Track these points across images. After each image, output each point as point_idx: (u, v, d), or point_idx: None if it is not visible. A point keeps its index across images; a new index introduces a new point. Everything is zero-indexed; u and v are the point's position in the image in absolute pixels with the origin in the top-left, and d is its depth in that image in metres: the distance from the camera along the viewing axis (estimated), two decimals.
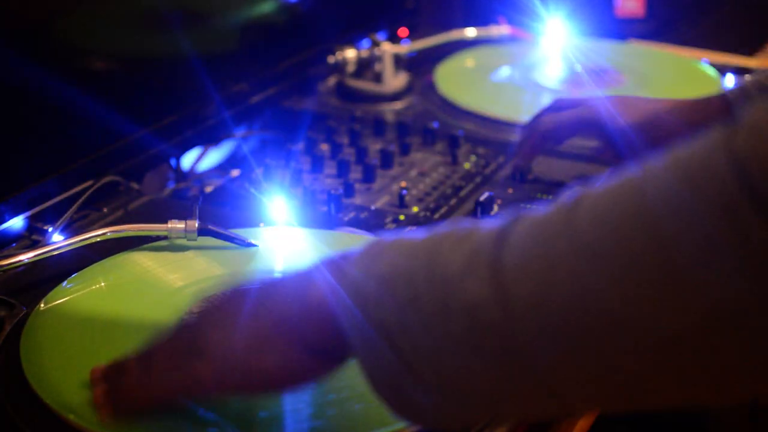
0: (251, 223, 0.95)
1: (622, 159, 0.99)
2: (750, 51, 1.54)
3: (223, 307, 0.63)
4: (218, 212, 0.98)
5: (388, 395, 0.55)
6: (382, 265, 0.56)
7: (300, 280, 0.60)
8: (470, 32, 1.47)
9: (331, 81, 1.35)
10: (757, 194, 0.43)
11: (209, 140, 1.19)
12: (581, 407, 0.57)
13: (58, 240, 0.89)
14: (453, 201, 1.02)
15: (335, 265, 0.59)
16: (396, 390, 0.55)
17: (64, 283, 0.82)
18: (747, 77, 1.31)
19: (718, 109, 0.94)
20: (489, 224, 0.54)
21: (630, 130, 0.96)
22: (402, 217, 0.99)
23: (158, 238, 0.89)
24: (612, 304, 0.47)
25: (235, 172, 1.11)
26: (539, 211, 0.52)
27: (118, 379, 0.65)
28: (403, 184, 1.06)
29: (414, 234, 0.57)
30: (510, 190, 1.04)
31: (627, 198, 0.48)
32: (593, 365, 0.48)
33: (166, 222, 0.88)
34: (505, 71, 1.38)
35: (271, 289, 0.62)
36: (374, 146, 1.15)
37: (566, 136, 1.04)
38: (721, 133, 0.46)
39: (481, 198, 0.98)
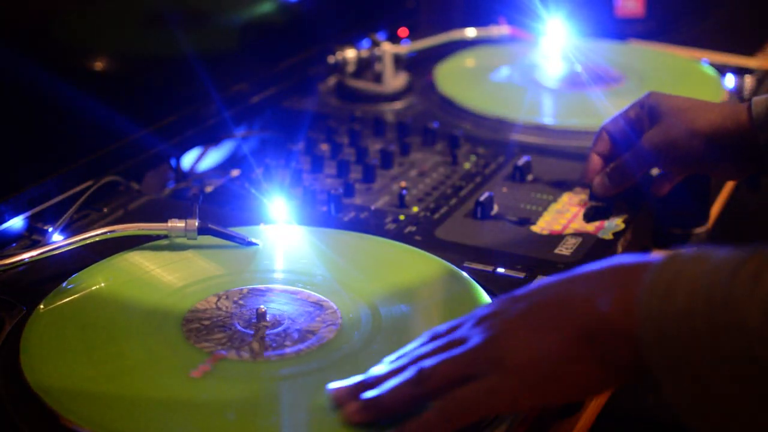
0: (251, 222, 0.95)
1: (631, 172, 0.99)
2: (750, 51, 1.54)
3: (522, 314, 0.63)
4: (218, 212, 0.98)
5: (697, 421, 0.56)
6: (679, 299, 0.56)
7: (597, 290, 0.60)
8: (470, 32, 1.47)
9: (331, 81, 1.35)
10: None
11: (209, 140, 1.20)
12: None
13: (58, 240, 0.89)
14: (453, 201, 1.02)
15: (631, 278, 0.59)
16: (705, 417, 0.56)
17: (64, 284, 0.82)
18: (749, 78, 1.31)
19: (744, 124, 0.93)
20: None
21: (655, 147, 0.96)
22: (402, 217, 0.99)
23: (158, 238, 0.89)
24: None
25: (235, 172, 1.11)
26: None
27: (375, 391, 0.65)
28: (403, 184, 1.06)
29: (710, 253, 0.57)
30: (504, 189, 1.04)
31: None
32: None
33: (166, 222, 0.88)
34: (505, 71, 1.38)
35: (566, 296, 0.62)
36: (374, 146, 1.15)
37: (632, 130, 1.00)
38: None
39: (481, 198, 0.98)
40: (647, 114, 0.98)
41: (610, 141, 1.01)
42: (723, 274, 0.55)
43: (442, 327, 0.67)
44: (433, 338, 0.67)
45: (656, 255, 0.60)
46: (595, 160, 1.01)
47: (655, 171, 1.02)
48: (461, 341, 0.64)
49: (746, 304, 0.53)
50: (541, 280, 0.66)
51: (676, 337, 0.55)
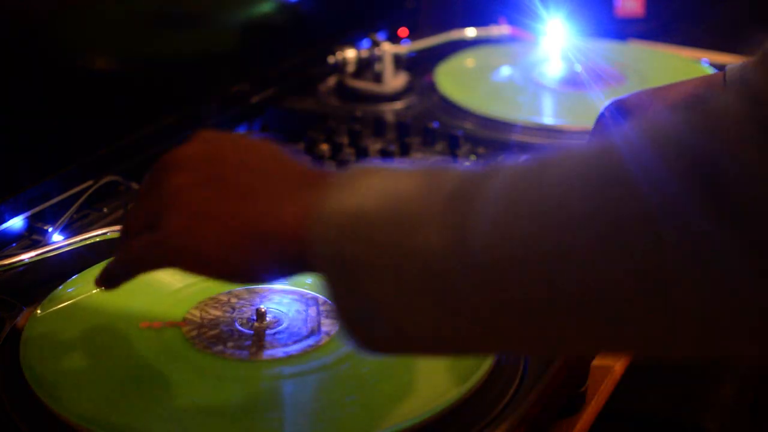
0: None
1: None
2: (750, 51, 1.54)
3: (210, 183, 0.61)
4: None
5: (346, 313, 0.56)
6: (352, 196, 0.56)
7: (281, 192, 0.60)
8: (470, 32, 1.47)
9: (331, 81, 1.35)
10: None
11: None
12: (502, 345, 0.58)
13: (58, 240, 0.89)
14: None
15: (315, 184, 0.59)
16: (353, 313, 0.55)
17: (64, 284, 0.82)
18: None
19: (720, 90, 0.93)
20: (462, 174, 0.55)
21: None
22: None
23: None
24: (556, 247, 0.48)
25: None
26: (515, 166, 0.53)
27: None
28: None
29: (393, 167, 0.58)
30: None
31: (601, 148, 0.50)
32: (519, 304, 0.50)
33: None
34: (505, 71, 1.38)
35: (254, 184, 0.61)
36: (374, 146, 1.15)
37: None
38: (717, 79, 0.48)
39: None
40: (614, 119, 0.98)
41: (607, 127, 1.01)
42: (400, 173, 0.56)
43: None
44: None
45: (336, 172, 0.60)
46: None
47: None
48: (157, 185, 0.63)
49: (415, 197, 0.54)
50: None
51: (342, 232, 0.55)
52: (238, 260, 0.60)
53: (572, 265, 0.48)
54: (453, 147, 1.14)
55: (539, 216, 0.49)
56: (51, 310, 0.79)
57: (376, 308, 0.54)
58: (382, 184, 0.56)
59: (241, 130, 1.24)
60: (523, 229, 0.49)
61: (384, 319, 0.54)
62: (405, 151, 1.14)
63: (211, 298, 0.80)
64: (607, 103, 0.99)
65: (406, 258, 0.52)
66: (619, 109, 0.98)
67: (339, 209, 0.56)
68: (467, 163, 0.56)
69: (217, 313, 0.78)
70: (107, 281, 0.70)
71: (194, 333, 0.76)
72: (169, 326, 0.75)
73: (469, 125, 1.21)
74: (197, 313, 0.78)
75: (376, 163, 0.59)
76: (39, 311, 0.78)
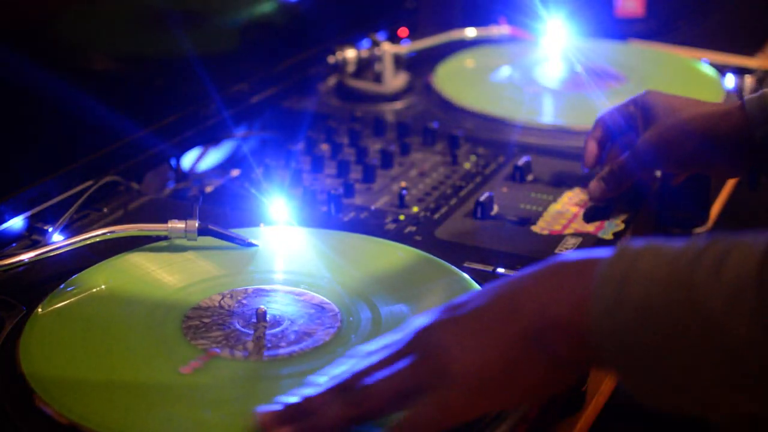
0: (251, 223, 0.95)
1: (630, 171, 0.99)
2: (750, 51, 1.54)
3: (463, 321, 0.60)
4: (218, 212, 0.98)
5: (651, 399, 0.56)
6: (636, 288, 0.55)
7: (546, 288, 0.59)
8: (470, 32, 1.47)
9: (331, 81, 1.35)
10: None
11: (209, 140, 1.19)
12: None
13: (58, 240, 0.89)
14: (453, 201, 1.02)
15: (581, 275, 0.58)
16: (658, 397, 0.56)
17: (64, 284, 0.82)
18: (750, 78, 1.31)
19: (738, 122, 0.94)
20: (749, 243, 0.54)
21: (650, 144, 0.96)
22: (402, 217, 0.98)
23: (158, 239, 0.89)
24: None
25: (235, 172, 1.11)
26: None
27: (313, 418, 0.60)
28: (403, 184, 1.06)
29: (663, 245, 0.57)
30: (504, 189, 1.04)
31: None
32: None
33: (166, 222, 0.88)
34: (505, 71, 1.38)
35: (512, 298, 0.60)
36: (374, 146, 1.15)
37: (622, 127, 1.00)
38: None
39: (481, 198, 0.98)
40: (641, 112, 0.99)
41: (606, 132, 1.02)
42: (681, 262, 0.55)
43: (375, 345, 0.64)
44: (367, 355, 0.63)
45: (603, 250, 0.59)
46: (592, 146, 1.02)
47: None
48: (399, 355, 0.61)
49: (709, 288, 0.53)
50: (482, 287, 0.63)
51: (634, 326, 0.55)
52: (523, 370, 0.59)
53: None
54: (453, 147, 1.14)
55: None
56: (51, 310, 0.79)
57: (678, 393, 0.55)
58: (664, 268, 0.55)
59: (241, 130, 1.24)
60: None
61: (686, 398, 0.55)
62: (405, 151, 1.14)
63: (210, 299, 0.80)
64: (643, 92, 1.00)
65: (708, 349, 0.53)
66: (646, 106, 0.98)
67: (623, 299, 0.55)
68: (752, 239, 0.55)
69: (219, 312, 0.78)
70: None
71: (193, 331, 0.75)
72: (207, 360, 0.73)
73: (469, 125, 1.21)
74: (198, 311, 0.78)
75: (642, 243, 0.58)
76: (39, 311, 0.78)
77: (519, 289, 0.61)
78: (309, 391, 0.62)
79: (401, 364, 0.60)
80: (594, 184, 1.00)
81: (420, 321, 0.63)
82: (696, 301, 0.53)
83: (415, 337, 0.61)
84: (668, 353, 0.54)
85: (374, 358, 0.62)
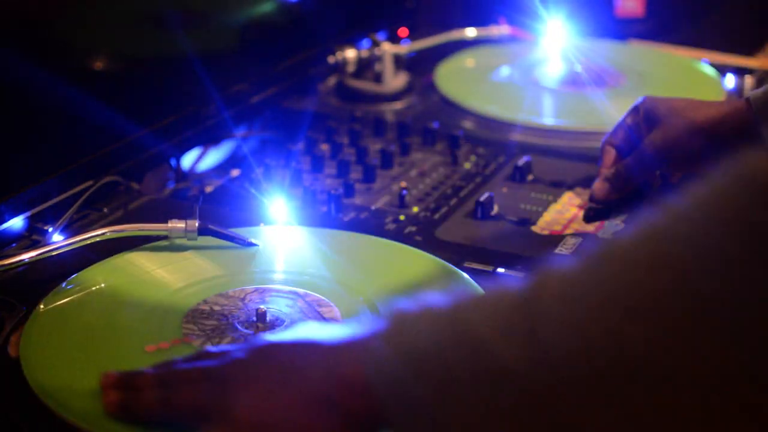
0: (251, 223, 0.95)
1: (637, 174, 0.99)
2: (750, 51, 1.54)
3: (254, 365, 0.62)
4: (218, 212, 0.98)
5: None
6: (405, 338, 0.55)
7: (332, 351, 0.60)
8: (470, 32, 1.47)
9: (331, 81, 1.35)
10: None
11: (209, 140, 1.19)
12: None
13: (58, 240, 0.89)
14: (453, 201, 1.02)
15: (364, 342, 0.58)
16: None
17: (64, 284, 0.82)
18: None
19: (743, 119, 0.94)
20: (514, 289, 0.53)
21: (658, 148, 0.96)
22: (402, 217, 0.98)
23: (158, 238, 0.89)
24: (647, 351, 0.47)
25: (235, 172, 1.11)
26: (566, 268, 0.52)
27: (134, 393, 0.65)
28: (403, 184, 1.06)
29: (434, 302, 0.57)
30: (504, 189, 1.04)
31: (651, 243, 0.49)
32: (625, 413, 0.48)
33: (166, 222, 0.88)
34: (505, 71, 1.38)
35: (304, 353, 0.61)
36: (374, 146, 1.15)
37: (633, 134, 1.00)
38: (744, 162, 0.48)
39: (481, 198, 0.98)
40: (643, 118, 0.99)
41: (615, 153, 1.01)
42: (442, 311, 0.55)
43: (215, 350, 0.66)
44: (202, 357, 0.65)
45: (380, 321, 0.59)
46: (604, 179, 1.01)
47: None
48: (210, 373, 0.63)
49: (475, 319, 0.53)
50: (261, 340, 0.64)
51: (406, 376, 0.54)
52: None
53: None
54: (453, 147, 1.14)
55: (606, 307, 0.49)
56: (51, 309, 0.79)
57: None
58: (428, 326, 0.55)
59: (241, 130, 1.24)
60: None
61: None
62: (405, 151, 1.14)
63: (210, 298, 0.80)
64: (641, 98, 1.00)
65: (488, 382, 0.51)
66: (648, 111, 0.98)
67: (397, 353, 0.55)
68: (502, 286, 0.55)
69: (219, 312, 0.78)
70: None
71: (192, 331, 0.75)
72: (176, 344, 0.74)
73: (469, 125, 1.21)
74: (198, 311, 0.78)
75: (406, 308, 0.58)
76: (40, 311, 0.78)
77: (306, 347, 0.61)
78: (146, 368, 0.67)
79: (205, 384, 0.63)
80: (598, 186, 1.00)
81: (241, 352, 0.63)
82: (466, 338, 0.52)
83: (227, 365, 0.63)
84: (441, 398, 0.53)
85: (198, 364, 0.65)
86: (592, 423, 0.49)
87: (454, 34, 1.45)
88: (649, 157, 0.96)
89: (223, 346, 0.66)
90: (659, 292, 0.47)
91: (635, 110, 1.00)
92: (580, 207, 1.01)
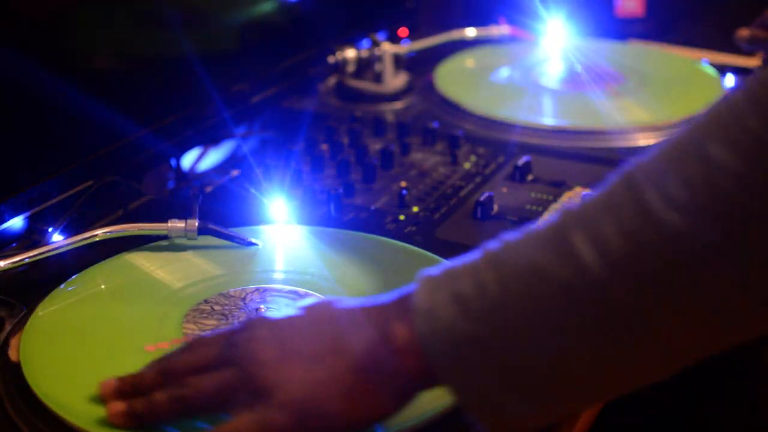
0: (251, 222, 0.95)
1: None
2: (750, 51, 1.53)
3: (288, 348, 0.61)
4: (218, 212, 0.98)
5: (482, 413, 0.57)
6: (454, 284, 0.58)
7: (372, 314, 0.61)
8: (470, 32, 1.47)
9: (331, 81, 1.35)
10: None
11: (209, 140, 1.19)
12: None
13: (58, 240, 0.89)
14: (453, 201, 1.02)
15: (404, 300, 0.60)
16: (491, 405, 0.57)
17: (64, 284, 0.82)
18: None
19: None
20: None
21: None
22: (402, 217, 0.98)
23: (158, 238, 0.89)
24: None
25: (235, 172, 1.11)
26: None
27: (142, 399, 0.64)
28: (403, 184, 1.06)
29: (461, 262, 0.60)
30: (504, 189, 1.04)
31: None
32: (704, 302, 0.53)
33: (166, 222, 0.88)
34: (505, 71, 1.38)
35: (342, 319, 0.61)
36: (374, 146, 1.15)
37: None
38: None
39: (481, 198, 0.98)
40: None
41: None
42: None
43: (209, 335, 0.65)
44: (201, 346, 0.64)
45: (411, 286, 0.61)
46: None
47: None
48: (223, 359, 0.62)
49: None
50: (301, 307, 0.64)
51: (447, 348, 0.57)
52: (360, 400, 0.59)
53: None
54: (453, 147, 1.14)
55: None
56: (51, 309, 0.79)
57: (518, 375, 0.55)
58: (468, 270, 0.59)
59: (241, 130, 1.24)
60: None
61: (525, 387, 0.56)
62: (405, 151, 1.14)
63: (210, 298, 0.80)
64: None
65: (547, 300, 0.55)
66: None
67: (440, 304, 0.57)
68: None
69: (218, 312, 0.78)
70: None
71: (192, 331, 0.75)
72: (176, 344, 0.74)
73: (469, 125, 1.21)
74: (197, 312, 0.78)
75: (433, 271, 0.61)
76: (39, 311, 0.78)
77: (340, 330, 0.61)
78: (144, 369, 0.65)
79: (224, 370, 0.62)
80: (745, 30, 1.04)
81: (243, 331, 0.63)
82: (511, 264, 0.57)
83: (236, 346, 0.62)
84: (492, 333, 0.56)
85: (206, 352, 0.63)
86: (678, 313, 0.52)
87: (454, 34, 1.45)
88: None
89: (217, 330, 0.65)
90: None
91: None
92: None
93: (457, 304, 0.57)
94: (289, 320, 0.63)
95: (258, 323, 0.63)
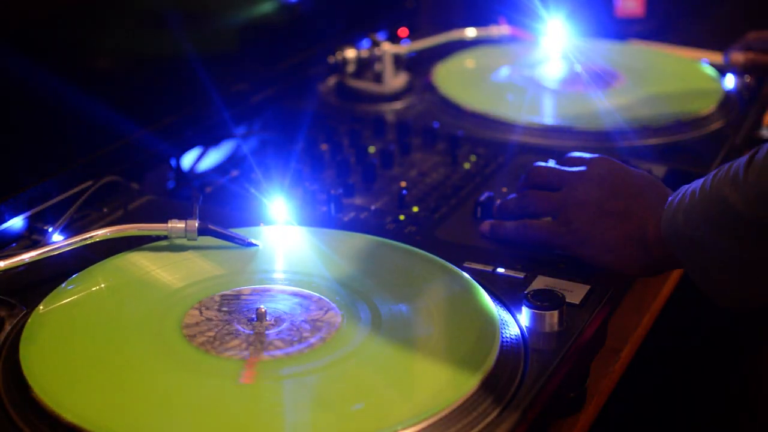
0: (251, 223, 0.95)
1: None
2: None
3: (597, 205, 0.89)
4: (218, 212, 0.98)
5: (707, 286, 0.82)
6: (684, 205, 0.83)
7: (648, 205, 0.88)
8: (470, 32, 1.47)
9: (331, 81, 1.35)
10: None
11: (209, 140, 1.20)
12: None
13: (58, 240, 0.89)
14: (453, 201, 1.02)
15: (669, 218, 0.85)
16: (712, 281, 0.82)
17: (64, 284, 0.82)
18: None
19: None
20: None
21: None
22: (402, 217, 0.99)
23: (158, 238, 0.89)
24: None
25: (235, 172, 1.11)
26: None
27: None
28: (403, 184, 1.06)
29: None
30: (504, 189, 1.04)
31: None
32: None
33: (166, 222, 0.88)
34: (505, 71, 1.38)
35: (628, 204, 0.88)
36: (374, 146, 1.15)
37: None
38: None
39: (481, 198, 0.98)
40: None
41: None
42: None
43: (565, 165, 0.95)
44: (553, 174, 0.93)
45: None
46: None
47: None
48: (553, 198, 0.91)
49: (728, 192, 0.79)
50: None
51: (684, 230, 0.82)
52: (623, 255, 0.87)
53: None
54: (453, 147, 1.14)
55: None
56: (51, 309, 0.79)
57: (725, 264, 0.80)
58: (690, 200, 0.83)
59: (241, 130, 1.24)
60: None
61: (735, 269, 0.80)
62: (405, 151, 1.14)
63: (210, 298, 0.81)
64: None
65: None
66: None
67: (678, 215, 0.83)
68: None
69: (219, 312, 0.78)
70: (494, 230, 0.94)
71: (193, 332, 0.76)
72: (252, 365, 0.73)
73: (469, 125, 1.21)
74: (198, 312, 0.78)
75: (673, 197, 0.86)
76: (40, 311, 0.78)
77: (632, 201, 0.88)
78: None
79: (552, 197, 0.92)
80: (739, 55, 1.26)
81: (583, 185, 0.91)
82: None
83: (575, 187, 0.91)
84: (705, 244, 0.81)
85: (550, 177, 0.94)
86: None
87: (454, 34, 1.45)
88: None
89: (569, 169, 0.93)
90: None
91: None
92: None
93: (682, 214, 0.83)
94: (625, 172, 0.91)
95: (600, 162, 0.92)
